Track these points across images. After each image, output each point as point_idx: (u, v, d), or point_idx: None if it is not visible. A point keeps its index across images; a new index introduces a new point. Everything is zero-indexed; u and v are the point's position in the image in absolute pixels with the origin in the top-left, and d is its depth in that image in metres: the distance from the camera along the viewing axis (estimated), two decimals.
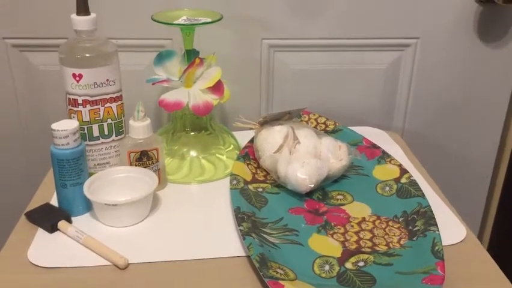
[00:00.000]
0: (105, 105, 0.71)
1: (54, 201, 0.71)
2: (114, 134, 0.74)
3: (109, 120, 0.72)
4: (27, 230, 0.66)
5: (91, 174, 0.70)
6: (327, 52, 0.94)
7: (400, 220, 0.68)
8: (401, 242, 0.63)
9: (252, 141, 0.82)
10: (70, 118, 0.71)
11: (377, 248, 0.62)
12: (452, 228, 0.67)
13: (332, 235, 0.65)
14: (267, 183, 0.76)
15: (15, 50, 0.90)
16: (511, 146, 1.04)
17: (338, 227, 0.67)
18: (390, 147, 0.87)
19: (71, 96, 0.70)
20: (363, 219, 0.68)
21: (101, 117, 0.72)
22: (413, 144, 0.94)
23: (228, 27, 0.88)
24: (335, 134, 0.87)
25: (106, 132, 0.73)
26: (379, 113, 1.00)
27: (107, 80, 0.70)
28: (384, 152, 0.81)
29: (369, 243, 0.63)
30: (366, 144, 0.84)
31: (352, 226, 0.67)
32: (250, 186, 0.74)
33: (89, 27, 0.68)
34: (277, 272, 0.56)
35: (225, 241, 0.64)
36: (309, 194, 0.73)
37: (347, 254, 0.61)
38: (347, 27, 0.92)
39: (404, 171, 0.76)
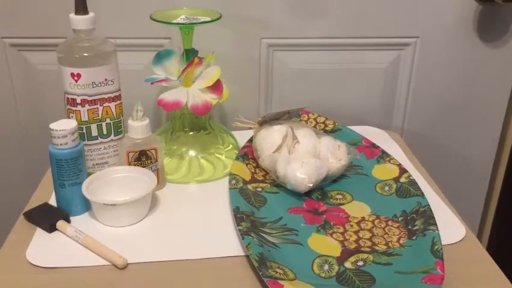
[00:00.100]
0: (104, 105, 0.71)
1: (53, 201, 0.71)
2: (113, 134, 0.73)
3: (108, 120, 0.72)
4: (26, 229, 0.66)
5: (89, 174, 0.70)
6: (326, 51, 0.94)
7: (399, 219, 0.67)
8: (401, 242, 0.63)
9: (251, 140, 0.81)
10: (69, 118, 0.71)
11: (377, 248, 0.62)
12: (451, 228, 0.67)
13: (331, 234, 0.65)
14: (266, 182, 0.76)
15: (14, 49, 0.90)
16: (510, 146, 1.04)
17: (337, 226, 0.67)
18: (389, 146, 0.87)
19: (70, 96, 0.70)
20: (363, 218, 0.68)
21: (99, 117, 0.71)
22: (412, 144, 0.94)
23: (227, 27, 0.88)
24: (334, 133, 0.87)
25: (105, 132, 0.73)
26: (378, 113, 1.00)
27: (106, 79, 0.70)
28: (383, 152, 0.81)
29: (369, 243, 0.63)
30: (366, 143, 0.84)
31: (351, 225, 0.67)
32: (249, 186, 0.74)
33: (88, 26, 0.68)
34: (276, 272, 0.56)
35: (224, 241, 0.64)
36: (308, 193, 0.73)
37: (346, 254, 0.61)
38: (346, 26, 0.92)
39: (403, 170, 0.76)
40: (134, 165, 0.72)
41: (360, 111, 0.99)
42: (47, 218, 0.66)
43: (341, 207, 0.71)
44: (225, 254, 0.62)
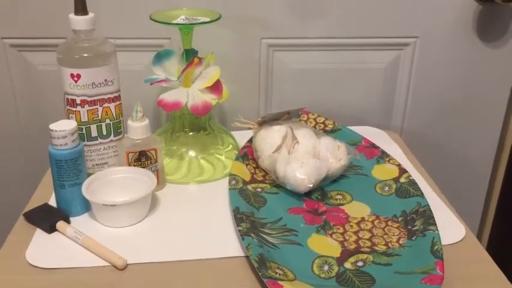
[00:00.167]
0: (103, 106, 0.71)
1: (52, 202, 0.71)
2: (112, 134, 0.73)
3: (108, 121, 0.72)
4: (26, 230, 0.66)
5: (89, 175, 0.70)
6: (326, 51, 0.94)
7: (399, 220, 0.67)
8: (400, 242, 0.63)
9: (250, 141, 0.81)
10: (68, 118, 0.71)
11: (376, 248, 0.62)
12: (451, 228, 0.67)
13: (331, 235, 0.65)
14: (266, 183, 0.76)
15: (14, 49, 0.90)
16: (510, 146, 1.04)
17: (337, 227, 0.67)
18: (389, 146, 0.87)
19: (69, 97, 0.70)
20: (362, 219, 0.68)
21: (99, 118, 0.71)
22: (412, 144, 0.94)
23: (226, 27, 0.88)
24: (334, 133, 0.87)
25: (105, 133, 0.73)
26: (378, 113, 1.00)
27: (106, 80, 0.70)
28: (383, 152, 0.81)
29: (369, 243, 0.63)
30: (365, 143, 0.84)
31: (351, 226, 0.67)
32: (249, 187, 0.74)
33: (87, 27, 0.68)
34: (276, 272, 0.56)
35: (223, 241, 0.64)
36: (308, 194, 0.73)
37: (346, 254, 0.61)
38: (346, 26, 0.92)
39: (403, 170, 0.76)
40: (134, 165, 0.72)
41: (360, 111, 0.99)
42: (46, 219, 0.66)
43: (341, 207, 0.71)
44: (224, 255, 0.62)
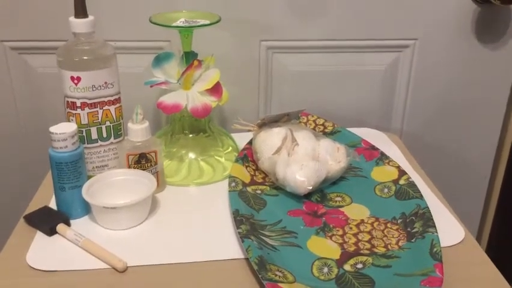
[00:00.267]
0: (103, 108, 0.71)
1: (53, 204, 0.71)
2: (112, 137, 0.74)
3: (108, 123, 0.72)
4: (26, 233, 0.66)
5: (89, 177, 0.70)
6: (325, 53, 0.94)
7: (399, 222, 0.68)
8: (400, 244, 0.63)
9: (250, 143, 0.82)
10: (68, 121, 0.71)
11: (376, 250, 0.62)
12: (450, 230, 0.67)
13: (330, 237, 0.65)
14: (265, 185, 0.76)
15: (14, 52, 0.90)
16: (510, 147, 1.04)
17: (337, 229, 0.67)
18: (388, 148, 0.87)
19: (70, 99, 0.70)
20: (362, 221, 0.68)
21: (99, 120, 0.72)
22: (411, 146, 0.94)
23: (226, 29, 0.88)
24: (333, 135, 0.87)
25: (105, 135, 0.73)
26: (377, 114, 1.00)
27: (106, 82, 0.70)
28: (382, 154, 0.81)
29: (368, 245, 0.63)
30: (365, 145, 0.84)
31: (351, 228, 0.67)
32: (249, 189, 0.74)
33: (87, 29, 0.68)
34: (275, 275, 0.56)
35: (223, 244, 0.64)
36: (308, 196, 0.73)
37: (345, 256, 0.61)
38: (345, 28, 0.92)
39: (402, 172, 0.76)
40: (134, 168, 0.72)
41: (359, 113, 0.99)
42: (47, 221, 0.66)
43: (340, 209, 0.71)
44: (224, 257, 0.62)
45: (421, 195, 0.70)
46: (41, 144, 0.91)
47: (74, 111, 0.70)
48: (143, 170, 0.72)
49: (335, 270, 0.59)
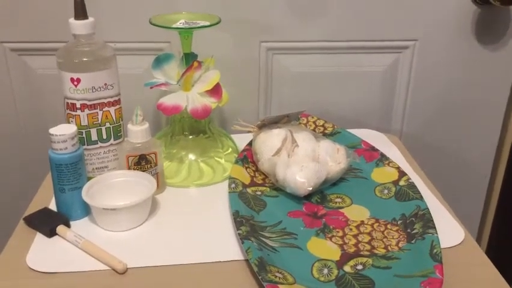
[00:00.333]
0: (103, 109, 0.71)
1: (52, 206, 0.71)
2: (112, 138, 0.74)
3: (107, 124, 0.72)
4: (26, 234, 0.66)
5: (89, 179, 0.70)
6: (325, 54, 0.94)
7: (399, 223, 0.68)
8: (400, 245, 0.63)
9: (250, 144, 0.82)
10: (68, 122, 0.71)
11: (376, 251, 0.62)
12: (450, 231, 0.67)
13: (330, 238, 0.65)
14: (265, 186, 0.76)
15: (14, 54, 0.90)
16: (509, 147, 1.04)
17: (337, 230, 0.67)
18: (388, 149, 0.87)
19: (69, 101, 0.70)
20: (362, 222, 0.68)
21: (99, 121, 0.72)
22: (411, 147, 0.94)
23: (226, 30, 0.88)
24: (333, 136, 0.87)
25: (104, 137, 0.73)
26: (377, 116, 1.00)
27: (106, 84, 0.70)
28: (382, 155, 0.81)
29: (368, 246, 0.63)
30: (365, 146, 0.84)
31: (351, 229, 0.67)
32: (249, 190, 0.74)
33: (87, 31, 0.68)
34: (276, 276, 0.56)
35: (223, 245, 0.64)
36: (308, 197, 0.73)
37: (345, 258, 0.61)
38: (345, 29, 0.92)
39: (402, 173, 0.76)
40: (134, 169, 0.72)
41: (359, 114, 0.99)
42: (47, 223, 0.66)
43: (340, 210, 0.71)
44: (224, 258, 0.62)
45: (421, 196, 0.70)
46: (41, 144, 0.91)
47: (74, 113, 0.70)
48: (143, 171, 0.72)
49: (335, 271, 0.59)
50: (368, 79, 0.96)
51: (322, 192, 0.75)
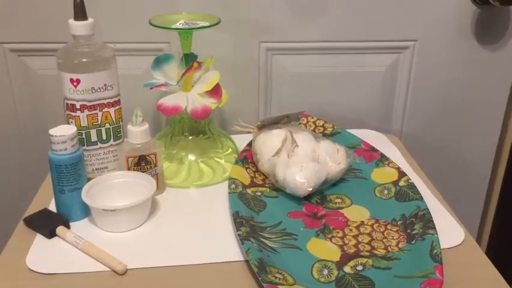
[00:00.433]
0: (103, 110, 0.71)
1: (52, 207, 0.71)
2: (112, 139, 0.74)
3: (107, 125, 0.72)
4: (26, 235, 0.66)
5: (89, 179, 0.70)
6: (325, 55, 0.94)
7: (399, 223, 0.68)
8: (400, 246, 0.63)
9: (250, 144, 0.82)
10: (68, 123, 0.71)
11: (376, 252, 0.62)
12: (450, 231, 0.67)
13: (330, 239, 0.65)
14: (265, 187, 0.76)
15: (14, 54, 0.90)
16: (509, 147, 1.04)
17: (337, 230, 0.67)
18: (388, 149, 0.87)
19: (69, 102, 0.70)
20: (362, 222, 0.68)
21: (99, 122, 0.72)
22: (411, 147, 0.94)
23: (226, 31, 0.88)
24: (333, 137, 0.87)
25: (104, 137, 0.73)
26: (377, 116, 1.00)
27: (105, 84, 0.70)
28: (382, 155, 0.81)
29: (368, 247, 0.63)
30: (365, 147, 0.84)
31: (351, 230, 0.67)
32: (249, 190, 0.74)
33: (87, 32, 0.68)
34: (275, 277, 0.56)
35: (223, 246, 0.64)
36: (308, 197, 0.73)
37: (345, 258, 0.61)
38: (345, 30, 0.92)
39: (402, 174, 0.76)
40: (134, 170, 0.72)
41: (359, 114, 0.99)
42: (46, 224, 0.66)
43: (340, 211, 0.71)
44: (224, 259, 0.62)
45: (421, 197, 0.70)
46: (40, 144, 0.91)
47: (73, 114, 0.70)
48: (143, 172, 0.72)
49: (335, 272, 0.59)
50: (368, 79, 0.96)
51: (322, 192, 0.75)
